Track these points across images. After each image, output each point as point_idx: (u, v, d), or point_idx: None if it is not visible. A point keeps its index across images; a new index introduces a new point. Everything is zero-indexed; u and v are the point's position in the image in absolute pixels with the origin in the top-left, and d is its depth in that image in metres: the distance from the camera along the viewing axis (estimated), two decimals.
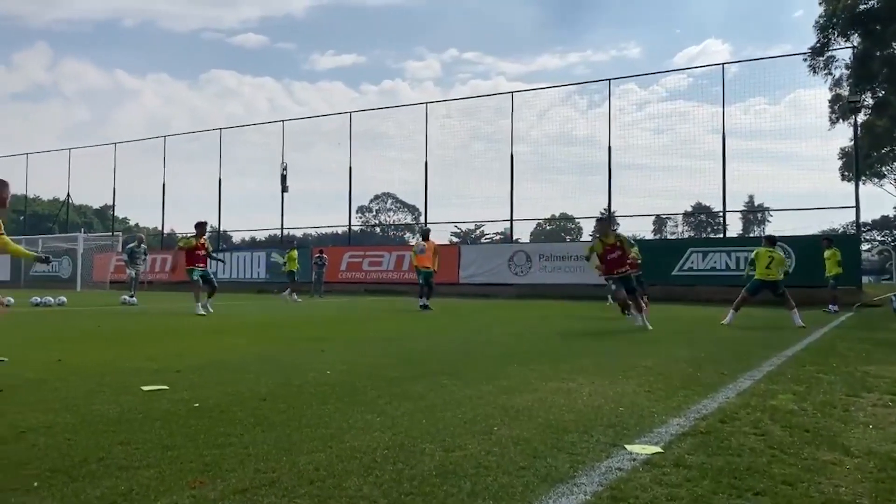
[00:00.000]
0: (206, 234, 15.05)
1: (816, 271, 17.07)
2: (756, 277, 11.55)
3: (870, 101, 26.15)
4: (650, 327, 9.85)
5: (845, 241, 20.56)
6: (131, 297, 17.43)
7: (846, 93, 23.58)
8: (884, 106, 26.26)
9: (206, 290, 13.84)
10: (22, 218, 45.02)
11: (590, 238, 17.63)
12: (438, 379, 5.05)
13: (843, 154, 28.26)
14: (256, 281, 29.70)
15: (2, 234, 6.49)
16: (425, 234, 17.46)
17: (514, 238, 26.84)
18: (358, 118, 30.32)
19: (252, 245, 35.32)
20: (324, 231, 39.24)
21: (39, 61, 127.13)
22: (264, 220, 42.31)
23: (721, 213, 23.18)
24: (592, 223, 17.68)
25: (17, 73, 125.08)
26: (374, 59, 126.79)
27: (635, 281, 10.96)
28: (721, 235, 23.41)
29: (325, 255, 24.70)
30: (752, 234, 30.92)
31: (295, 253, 22.13)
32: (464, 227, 39.20)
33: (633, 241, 10.43)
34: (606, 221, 10.37)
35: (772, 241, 12.08)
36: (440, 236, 31.27)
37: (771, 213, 28.52)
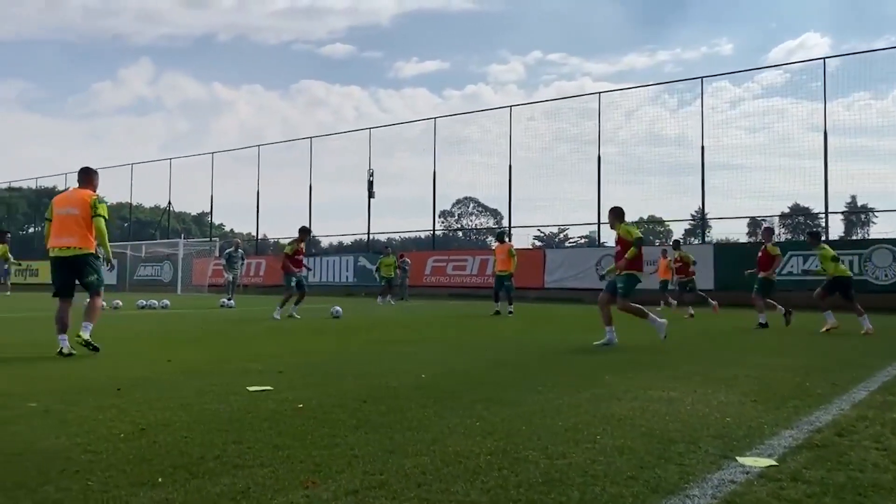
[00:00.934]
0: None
1: None
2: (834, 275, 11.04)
3: None
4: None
5: None
6: (229, 300, 18.14)
7: None
8: None
9: (298, 295, 13.96)
10: (126, 224, 47.63)
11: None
12: (533, 385, 5.03)
13: None
14: (344, 285, 30.34)
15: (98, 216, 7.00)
16: (500, 237, 17.23)
17: (601, 241, 26.41)
18: (442, 123, 30.58)
19: (340, 250, 36.14)
20: (407, 236, 39.69)
21: (143, 76, 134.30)
22: (351, 225, 43.30)
23: (822, 215, 22.11)
24: (685, 226, 17.11)
25: (123, 87, 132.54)
26: (457, 64, 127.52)
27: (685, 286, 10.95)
28: (823, 238, 22.28)
29: (407, 260, 25.02)
30: (854, 237, 29.34)
31: (391, 259, 22.17)
32: (547, 230, 38.89)
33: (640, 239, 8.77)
34: (616, 210, 8.66)
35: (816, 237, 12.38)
36: (523, 240, 31.05)
37: (875, 214, 26.98)
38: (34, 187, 50.87)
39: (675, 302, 17.48)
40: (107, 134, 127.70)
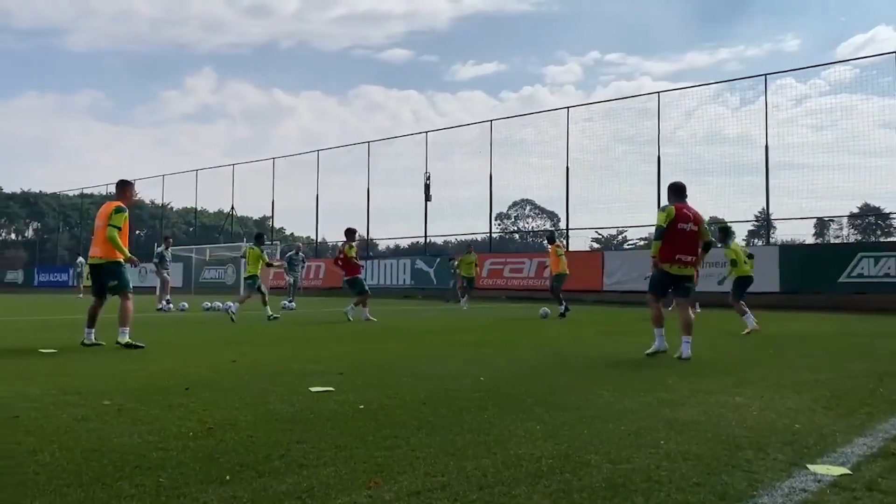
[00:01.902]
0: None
1: None
2: None
3: None
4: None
5: None
6: (290, 301, 18.48)
7: None
8: None
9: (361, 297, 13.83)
10: (192, 229, 49.03)
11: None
12: (594, 388, 4.97)
13: None
14: (401, 287, 30.53)
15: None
16: (550, 238, 17.07)
17: None
18: (498, 125, 30.50)
19: (396, 253, 36.42)
20: (464, 238, 39.73)
21: (206, 84, 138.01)
22: (408, 228, 43.49)
23: (894, 215, 21.23)
24: (748, 227, 16.64)
25: (188, 96, 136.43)
26: (514, 66, 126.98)
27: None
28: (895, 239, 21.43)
29: (455, 262, 25.13)
30: None
31: (472, 257, 20.43)
32: (605, 232, 38.39)
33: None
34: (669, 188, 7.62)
35: None
36: (581, 243, 30.71)
37: None
38: (104, 193, 52.83)
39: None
40: (173, 141, 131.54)
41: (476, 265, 20.10)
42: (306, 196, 36.20)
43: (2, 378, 5.32)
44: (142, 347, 7.43)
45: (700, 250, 7.32)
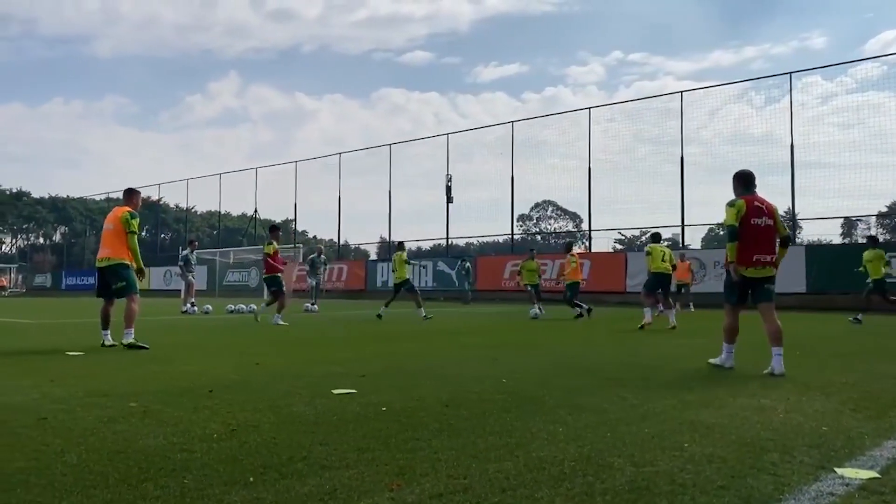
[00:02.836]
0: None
1: None
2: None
3: None
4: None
5: None
6: (313, 304, 18.58)
7: None
8: None
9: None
10: (216, 232, 49.50)
11: None
12: (617, 391, 4.94)
13: None
14: (423, 289, 30.47)
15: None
16: (568, 247, 17.10)
17: (685, 244, 25.71)
18: (519, 127, 30.52)
19: (418, 255, 36.49)
20: (486, 240, 39.72)
21: (230, 89, 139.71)
22: (430, 230, 43.55)
23: None
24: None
25: (212, 100, 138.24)
26: (536, 68, 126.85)
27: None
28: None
29: (468, 263, 25.37)
30: None
31: (534, 264, 17.80)
32: (628, 233, 38.14)
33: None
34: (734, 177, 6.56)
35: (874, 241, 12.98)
36: (604, 244, 30.62)
37: None
38: None
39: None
40: (197, 145, 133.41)
41: (538, 272, 18.17)
42: (328, 199, 36.49)
43: (30, 380, 5.40)
44: (146, 348, 7.57)
45: (778, 247, 6.38)
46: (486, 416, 4.03)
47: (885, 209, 32.75)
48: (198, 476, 2.81)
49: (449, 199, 31.39)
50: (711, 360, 6.52)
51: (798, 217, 23.46)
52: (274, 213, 60.22)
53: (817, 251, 21.92)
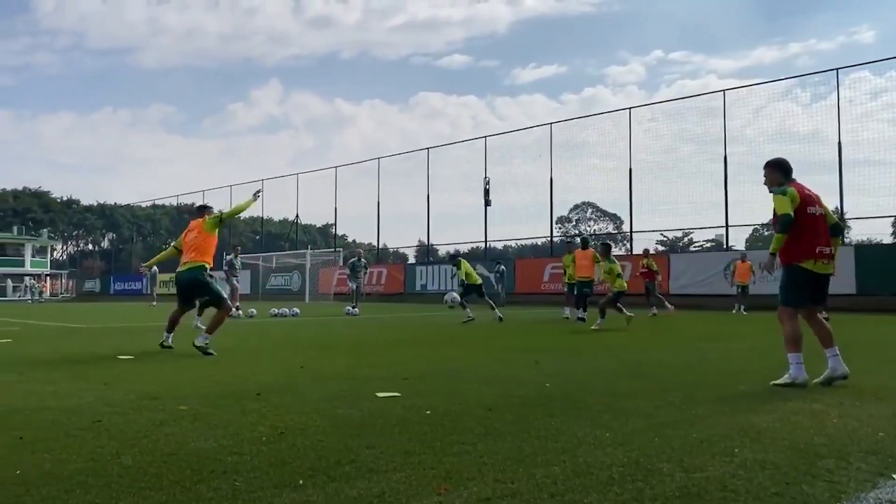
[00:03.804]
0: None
1: None
2: None
3: None
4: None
5: None
6: (354, 307, 18.73)
7: None
8: None
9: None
10: (258, 237, 50.24)
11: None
12: (663, 395, 4.87)
13: None
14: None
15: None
16: (584, 243, 15.67)
17: (729, 245, 25.26)
18: (558, 128, 30.31)
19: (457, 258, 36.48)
20: (524, 243, 39.54)
21: (272, 96, 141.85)
22: (468, 233, 43.56)
23: None
24: None
25: (255, 107, 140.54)
26: (574, 68, 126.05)
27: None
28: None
29: (503, 267, 25.33)
30: None
31: (617, 267, 15.17)
32: (671, 234, 37.61)
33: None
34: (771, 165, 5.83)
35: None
36: (645, 245, 30.15)
37: None
38: (175, 204, 54.67)
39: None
40: (239, 152, 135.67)
41: (620, 276, 15.72)
42: (368, 203, 36.71)
43: (84, 383, 5.56)
44: (212, 355, 7.58)
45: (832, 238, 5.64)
46: (531, 420, 4.01)
47: None
48: (248, 478, 2.85)
49: (487, 202, 31.34)
50: (777, 382, 5.31)
51: (846, 216, 22.86)
52: (315, 217, 61.06)
53: (867, 251, 21.34)
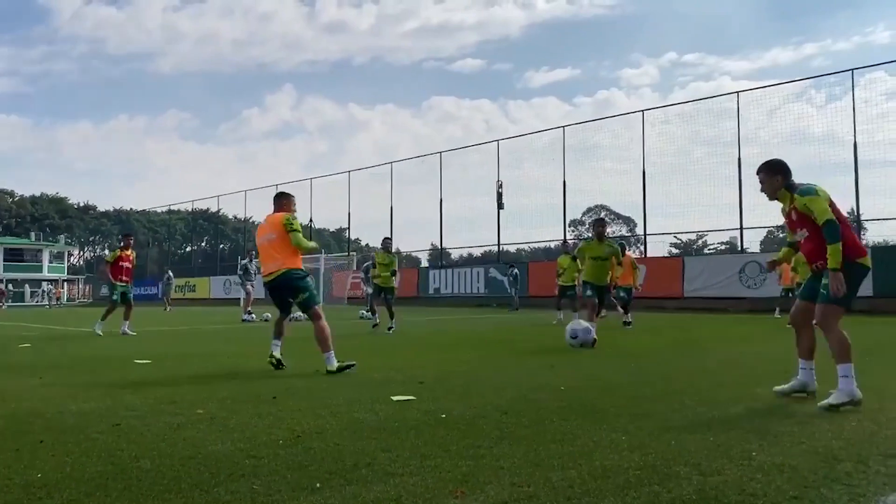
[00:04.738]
0: (132, 246, 13.86)
1: None
2: None
3: None
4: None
5: None
6: (368, 311, 18.75)
7: None
8: None
9: (125, 309, 13.08)
10: None
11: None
12: (680, 398, 4.84)
13: None
14: (475, 296, 30.56)
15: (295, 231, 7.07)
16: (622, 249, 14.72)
17: (744, 247, 25.08)
18: (571, 131, 30.20)
19: (470, 262, 36.49)
20: (537, 246, 39.44)
21: (286, 101, 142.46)
22: (481, 237, 43.50)
23: None
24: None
25: (269, 113, 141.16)
26: (588, 71, 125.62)
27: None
28: None
29: (516, 270, 25.31)
30: None
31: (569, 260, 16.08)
32: (685, 237, 37.42)
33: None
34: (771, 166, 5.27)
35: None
36: (660, 248, 30.03)
37: None
38: (190, 209, 55.01)
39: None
40: (254, 157, 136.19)
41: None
42: (381, 207, 36.73)
43: (104, 388, 5.61)
44: (353, 365, 6.67)
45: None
46: (546, 423, 4.01)
47: None
48: (266, 482, 2.87)
49: (500, 206, 31.29)
50: (833, 402, 4.40)
51: (863, 218, 22.66)
52: (329, 222, 61.19)
53: (884, 253, 21.09)
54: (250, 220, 54.78)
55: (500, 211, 31.43)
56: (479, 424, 4.00)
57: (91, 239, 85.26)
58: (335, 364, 6.60)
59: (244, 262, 19.40)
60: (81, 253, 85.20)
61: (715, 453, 3.28)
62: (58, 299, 52.61)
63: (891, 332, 11.95)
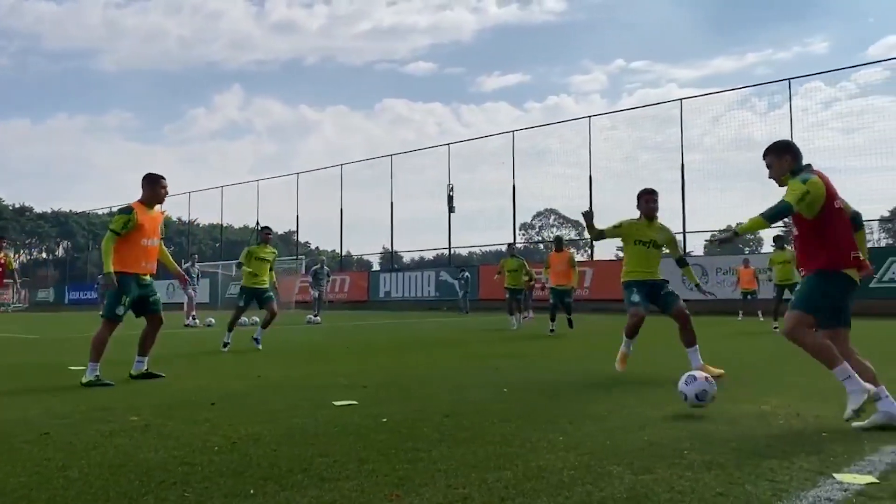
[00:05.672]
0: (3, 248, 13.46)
1: None
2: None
3: None
4: None
5: None
6: (315, 315, 18.58)
7: None
8: None
9: None
10: (217, 245, 49.53)
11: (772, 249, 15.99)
12: (620, 399, 4.93)
13: None
14: (426, 299, 30.57)
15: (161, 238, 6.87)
16: (557, 244, 14.31)
17: (688, 251, 25.68)
18: (521, 136, 30.52)
19: (421, 265, 36.49)
20: (488, 249, 39.66)
21: (234, 101, 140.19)
22: (432, 240, 43.61)
23: None
24: (776, 232, 16.17)
25: (216, 113, 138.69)
26: (538, 77, 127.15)
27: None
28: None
29: (467, 273, 25.49)
30: None
31: (514, 262, 16.24)
32: None
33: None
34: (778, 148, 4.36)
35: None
36: (608, 251, 30.62)
37: None
38: None
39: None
40: (200, 158, 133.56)
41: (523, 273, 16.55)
42: (331, 210, 36.47)
43: (33, 395, 5.43)
44: (109, 384, 6.28)
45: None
46: (487, 426, 4.03)
47: (887, 213, 32.70)
48: (198, 489, 2.82)
49: (451, 209, 31.40)
50: (854, 408, 3.89)
51: None
52: (276, 224, 60.09)
53: None
54: (195, 223, 53.80)
55: (452, 214, 31.54)
56: (420, 428, 4.00)
57: (27, 242, 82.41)
58: (91, 377, 6.31)
59: (186, 265, 19.00)
60: (17, 256, 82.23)
61: (648, 452, 3.35)
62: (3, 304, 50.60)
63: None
